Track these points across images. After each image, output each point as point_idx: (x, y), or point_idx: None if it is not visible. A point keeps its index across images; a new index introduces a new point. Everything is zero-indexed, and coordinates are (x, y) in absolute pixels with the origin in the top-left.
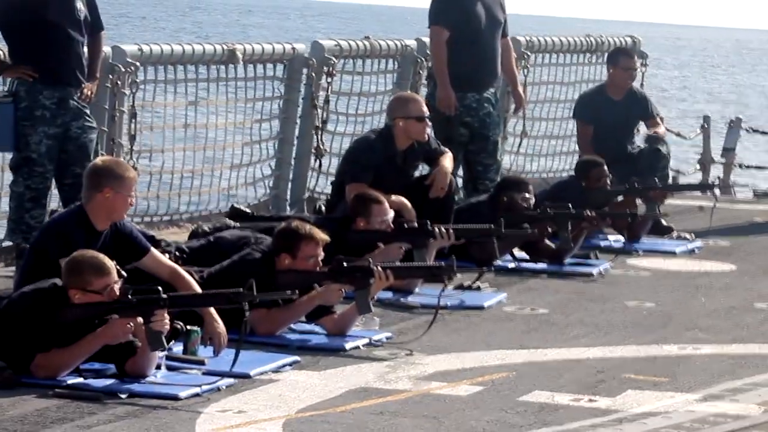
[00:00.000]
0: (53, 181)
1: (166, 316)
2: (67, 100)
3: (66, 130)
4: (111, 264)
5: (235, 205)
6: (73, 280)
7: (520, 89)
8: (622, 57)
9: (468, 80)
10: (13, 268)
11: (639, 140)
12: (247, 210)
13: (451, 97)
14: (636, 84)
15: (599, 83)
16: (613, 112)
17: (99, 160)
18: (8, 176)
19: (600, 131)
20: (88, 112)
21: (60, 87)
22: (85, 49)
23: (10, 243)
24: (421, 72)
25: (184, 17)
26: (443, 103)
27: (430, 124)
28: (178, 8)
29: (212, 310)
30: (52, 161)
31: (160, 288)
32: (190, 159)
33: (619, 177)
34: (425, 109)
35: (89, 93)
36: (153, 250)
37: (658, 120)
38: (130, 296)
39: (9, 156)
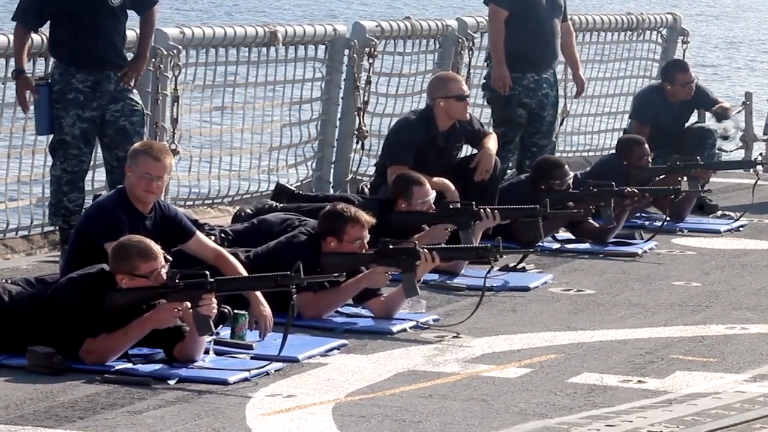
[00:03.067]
0: (93, 163)
1: (214, 300)
2: (103, 83)
3: (103, 114)
4: (157, 248)
5: (280, 183)
6: (120, 265)
7: (582, 74)
8: (679, 74)
9: (527, 61)
10: (58, 253)
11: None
12: (293, 188)
13: (506, 76)
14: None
15: (656, 83)
16: (670, 115)
17: (138, 143)
18: (50, 160)
19: (656, 132)
20: (131, 95)
21: (94, 71)
22: (128, 32)
23: (54, 227)
24: (462, 52)
25: None
26: (498, 82)
27: (470, 103)
28: None
29: (258, 293)
30: (89, 144)
31: (207, 272)
32: (231, 142)
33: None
34: (465, 87)
35: (131, 75)
36: (198, 233)
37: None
38: (177, 281)
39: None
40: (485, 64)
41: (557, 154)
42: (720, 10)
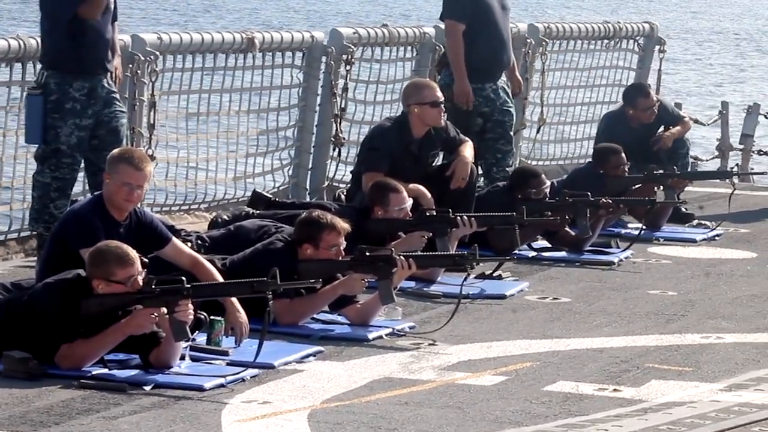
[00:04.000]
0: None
1: (191, 306)
2: (97, 89)
3: (97, 118)
4: (135, 254)
5: (257, 191)
6: (96, 271)
7: (518, 75)
8: (640, 99)
9: (484, 71)
10: (35, 258)
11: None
12: (269, 195)
13: (469, 91)
14: (652, 80)
15: (617, 108)
16: (633, 139)
17: (117, 150)
18: (32, 166)
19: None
20: (117, 97)
21: (89, 77)
22: (113, 34)
23: (32, 232)
24: (438, 59)
25: None
26: (461, 98)
27: (444, 110)
28: None
29: (234, 299)
30: (83, 153)
31: (183, 278)
32: (207, 148)
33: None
34: (440, 94)
35: (119, 74)
36: (175, 239)
37: (684, 122)
38: (153, 286)
39: (33, 147)
40: (436, 70)
41: (533, 163)
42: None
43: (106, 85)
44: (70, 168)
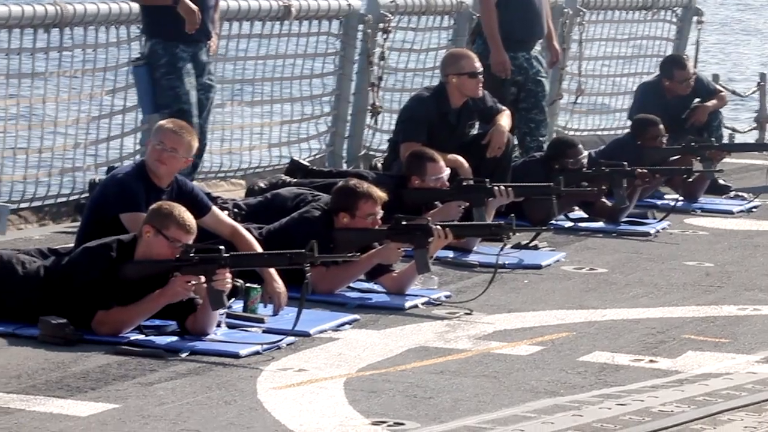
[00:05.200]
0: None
1: (228, 275)
2: (198, 55)
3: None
4: (194, 227)
5: (295, 158)
6: (154, 219)
7: (556, 44)
8: (677, 70)
9: (518, 40)
10: (70, 224)
11: None
12: (306, 164)
13: (506, 60)
14: (691, 51)
15: (653, 79)
16: (668, 112)
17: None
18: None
19: None
20: (211, 68)
21: (192, 44)
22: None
23: (68, 198)
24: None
25: None
26: (498, 66)
27: (482, 80)
28: None
29: (272, 269)
30: (200, 114)
31: (222, 247)
32: (244, 115)
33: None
34: (478, 64)
35: (215, 47)
36: (214, 208)
37: (719, 95)
38: (192, 254)
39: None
40: (471, 40)
41: (571, 133)
42: None
43: (204, 53)
44: (196, 127)
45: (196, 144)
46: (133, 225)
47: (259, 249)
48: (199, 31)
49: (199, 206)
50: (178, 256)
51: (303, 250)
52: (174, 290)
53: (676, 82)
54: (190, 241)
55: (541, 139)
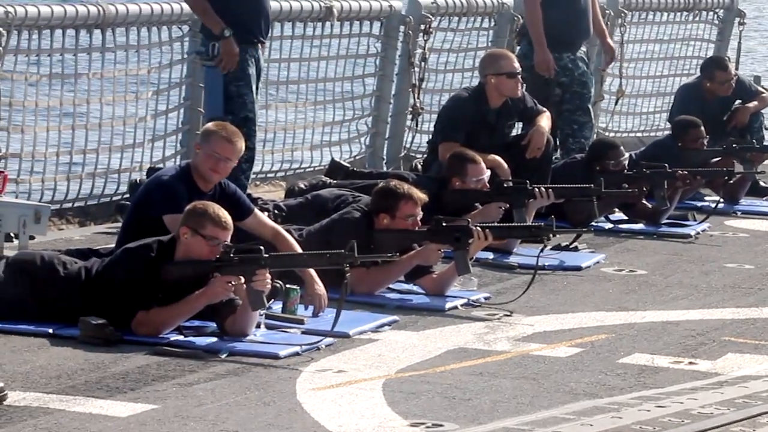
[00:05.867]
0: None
1: (268, 275)
2: (259, 59)
3: None
4: (230, 223)
5: (335, 159)
6: (189, 220)
7: (611, 42)
8: (718, 72)
9: (562, 40)
10: (111, 225)
11: None
12: (347, 165)
13: (550, 59)
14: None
15: (694, 80)
16: (708, 114)
17: (212, 123)
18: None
19: None
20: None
21: (253, 46)
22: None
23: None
24: (517, 29)
25: None
26: (542, 66)
27: (521, 80)
28: None
29: (312, 271)
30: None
31: (261, 247)
32: (285, 117)
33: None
34: (517, 65)
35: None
36: (257, 211)
37: (761, 97)
38: (232, 255)
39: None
40: (516, 42)
41: (612, 135)
42: None
43: (262, 56)
44: (255, 135)
45: (244, 147)
46: (174, 226)
47: (300, 251)
48: (261, 33)
49: (241, 209)
50: (218, 256)
51: (342, 251)
52: (214, 291)
53: (717, 83)
54: (227, 238)
55: (583, 141)
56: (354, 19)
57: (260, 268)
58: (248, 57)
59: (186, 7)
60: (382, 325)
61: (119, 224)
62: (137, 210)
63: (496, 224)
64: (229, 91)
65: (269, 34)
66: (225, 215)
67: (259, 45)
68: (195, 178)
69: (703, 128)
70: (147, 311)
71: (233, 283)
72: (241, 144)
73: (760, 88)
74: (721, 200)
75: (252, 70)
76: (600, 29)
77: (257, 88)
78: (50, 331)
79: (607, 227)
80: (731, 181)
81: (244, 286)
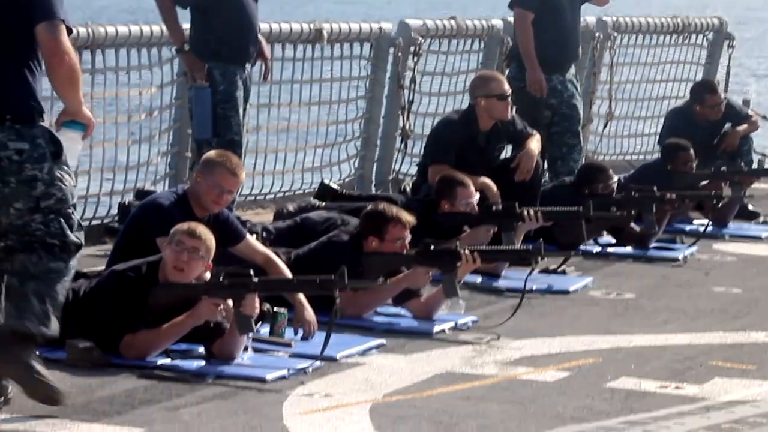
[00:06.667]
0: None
1: (257, 300)
2: (246, 79)
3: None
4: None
5: (325, 182)
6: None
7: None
8: (708, 95)
9: (552, 62)
10: (100, 247)
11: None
12: (336, 187)
13: (542, 79)
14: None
15: (683, 104)
16: (697, 137)
17: (214, 152)
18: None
19: None
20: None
21: (242, 67)
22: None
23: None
24: (506, 52)
25: None
26: (534, 86)
27: (511, 103)
28: None
29: (302, 296)
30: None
31: (251, 271)
32: (274, 139)
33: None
34: (507, 87)
35: (270, 68)
36: (249, 236)
37: (751, 120)
38: (221, 279)
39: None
40: (505, 64)
41: (601, 158)
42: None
43: (249, 78)
44: (242, 158)
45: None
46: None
47: (290, 276)
48: (248, 53)
49: (233, 235)
50: (207, 280)
51: (332, 277)
52: (199, 311)
53: (707, 107)
54: (201, 250)
55: (573, 164)
56: (344, 41)
57: (249, 292)
58: (236, 79)
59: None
60: (370, 349)
61: (108, 247)
62: (130, 231)
63: (484, 247)
64: (216, 114)
65: (271, 56)
66: (201, 230)
67: (249, 63)
68: (192, 205)
69: (692, 151)
70: (135, 334)
71: (221, 305)
72: (243, 176)
73: (749, 111)
74: (710, 224)
75: (239, 93)
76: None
77: (245, 110)
78: (37, 353)
79: (595, 251)
80: (720, 205)
81: (232, 309)
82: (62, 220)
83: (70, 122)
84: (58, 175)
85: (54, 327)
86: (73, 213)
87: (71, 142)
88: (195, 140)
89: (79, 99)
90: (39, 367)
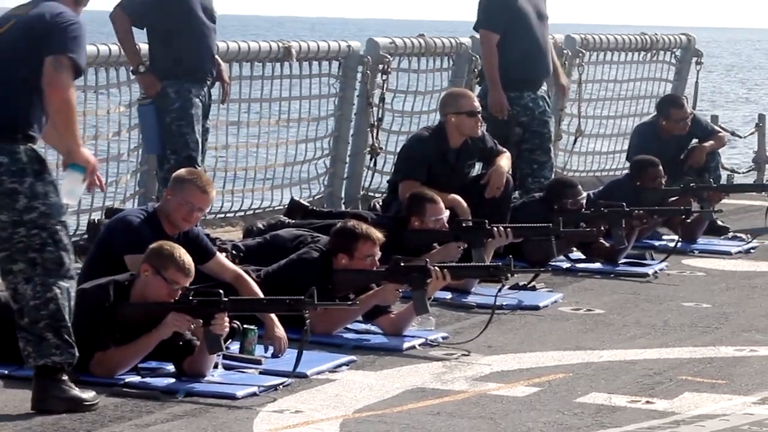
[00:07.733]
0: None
1: (226, 319)
2: (205, 97)
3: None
4: (192, 270)
5: (295, 198)
6: (153, 259)
7: (564, 80)
8: (673, 110)
9: (523, 79)
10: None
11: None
12: (307, 204)
13: (504, 101)
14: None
15: (649, 119)
16: (664, 152)
17: (184, 170)
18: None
19: None
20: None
21: (198, 84)
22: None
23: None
24: (476, 70)
25: None
26: (495, 107)
27: (482, 120)
28: None
29: (272, 314)
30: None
31: (221, 291)
32: (244, 157)
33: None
34: (477, 104)
35: (226, 82)
36: (218, 254)
37: (717, 136)
38: (191, 298)
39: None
40: (475, 81)
41: (570, 174)
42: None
43: (208, 95)
44: None
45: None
46: (135, 267)
47: (261, 295)
48: (205, 71)
49: (203, 252)
50: (176, 299)
51: (302, 297)
52: (166, 323)
53: (673, 121)
54: (187, 284)
55: (543, 180)
56: (312, 59)
57: (219, 311)
58: (191, 96)
59: (145, 48)
60: (340, 365)
61: (77, 265)
62: (100, 249)
63: (454, 264)
64: (171, 131)
65: (225, 75)
66: (189, 262)
67: (207, 83)
68: (162, 223)
69: (661, 167)
70: (104, 352)
71: (187, 319)
72: (213, 194)
73: (716, 128)
74: (679, 239)
75: (195, 110)
76: (554, 67)
77: (203, 127)
78: (5, 372)
79: (565, 266)
80: (689, 220)
81: (202, 328)
82: (45, 234)
83: (74, 164)
84: (41, 190)
85: (74, 351)
86: (60, 229)
87: (72, 184)
88: (157, 158)
89: (74, 138)
90: (75, 392)
